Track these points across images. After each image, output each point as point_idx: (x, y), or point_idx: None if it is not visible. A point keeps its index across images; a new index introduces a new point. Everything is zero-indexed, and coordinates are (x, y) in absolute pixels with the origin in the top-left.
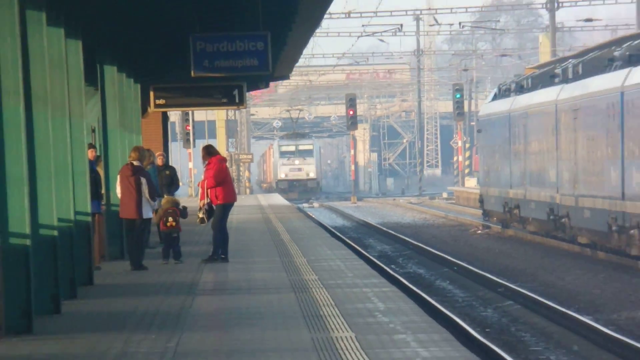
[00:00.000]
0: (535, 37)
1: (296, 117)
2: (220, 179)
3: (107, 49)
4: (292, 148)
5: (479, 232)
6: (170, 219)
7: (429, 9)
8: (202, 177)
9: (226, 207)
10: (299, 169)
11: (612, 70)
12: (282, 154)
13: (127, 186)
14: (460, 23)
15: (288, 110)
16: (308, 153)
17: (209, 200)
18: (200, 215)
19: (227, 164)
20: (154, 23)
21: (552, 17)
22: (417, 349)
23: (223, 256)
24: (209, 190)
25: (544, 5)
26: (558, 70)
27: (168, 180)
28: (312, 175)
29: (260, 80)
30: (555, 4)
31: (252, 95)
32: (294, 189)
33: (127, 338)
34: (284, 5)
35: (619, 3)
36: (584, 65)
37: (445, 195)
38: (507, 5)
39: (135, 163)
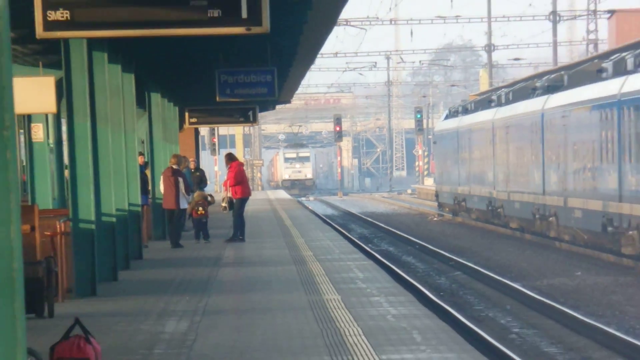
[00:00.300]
0: (476, 72)
1: (296, 132)
2: (239, 179)
3: (153, 80)
4: (294, 155)
5: (435, 219)
6: (200, 208)
7: (397, 50)
8: (225, 177)
9: (243, 200)
10: (299, 171)
11: (534, 97)
12: (286, 160)
13: (168, 184)
14: (420, 61)
15: (290, 126)
16: (306, 159)
17: (229, 195)
18: (224, 204)
19: (244, 167)
20: (189, 61)
21: (489, 57)
22: (388, 307)
23: (241, 237)
24: (230, 187)
25: (483, 48)
26: (494, 97)
27: (198, 179)
28: (309, 176)
29: (269, 104)
30: (492, 47)
31: (262, 115)
32: (295, 186)
33: (168, 299)
34: (287, 48)
35: (540, 47)
36: (513, 93)
37: (409, 191)
38: (455, 48)
39: (174, 166)
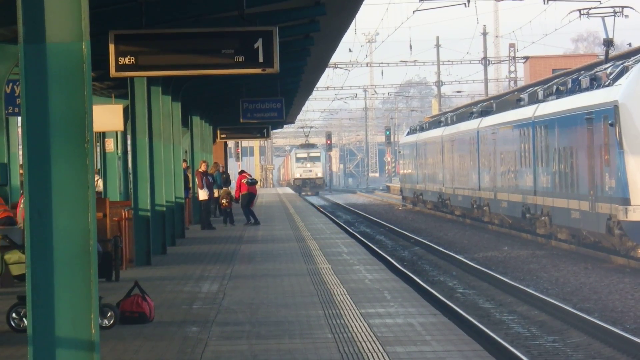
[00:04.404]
0: (429, 101)
1: (307, 134)
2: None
3: (194, 107)
4: (305, 155)
5: (400, 208)
6: (224, 201)
7: (371, 85)
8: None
9: (251, 195)
10: (310, 170)
11: (472, 119)
12: (298, 159)
13: (202, 181)
14: (388, 93)
15: (302, 128)
16: (317, 159)
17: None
18: (223, 200)
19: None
20: (220, 93)
21: (439, 90)
22: (365, 274)
23: (253, 222)
24: (236, 189)
25: (434, 83)
26: (442, 119)
27: (225, 179)
28: (319, 175)
29: (278, 124)
30: (440, 83)
31: (273, 132)
32: (307, 185)
33: (204, 267)
34: (291, 84)
35: (475, 83)
36: (456, 116)
37: (381, 188)
38: (414, 83)
39: (209, 170)
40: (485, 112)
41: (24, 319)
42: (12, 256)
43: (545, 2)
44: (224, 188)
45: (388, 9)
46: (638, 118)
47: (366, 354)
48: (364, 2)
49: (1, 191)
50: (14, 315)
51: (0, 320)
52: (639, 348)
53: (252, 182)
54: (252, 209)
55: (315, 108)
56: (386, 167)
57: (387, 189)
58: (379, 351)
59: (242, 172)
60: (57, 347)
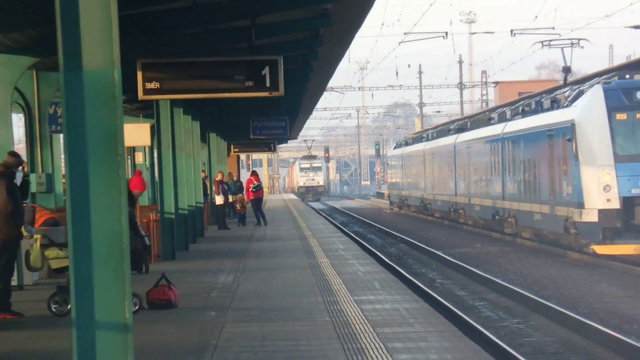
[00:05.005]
0: (413, 119)
1: (309, 147)
2: (259, 187)
3: (211, 125)
4: (308, 165)
5: (388, 211)
6: (238, 205)
7: (363, 106)
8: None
9: (258, 200)
10: (312, 179)
11: (449, 135)
12: (301, 169)
13: (218, 188)
14: (378, 112)
15: (305, 141)
16: (318, 168)
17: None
18: (237, 205)
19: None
20: (233, 113)
21: (421, 110)
22: (358, 267)
23: (263, 223)
24: (246, 192)
25: (417, 105)
26: (424, 135)
27: (238, 187)
28: (321, 183)
29: (283, 140)
30: (422, 104)
31: (279, 147)
32: (309, 192)
33: (220, 261)
34: (294, 105)
35: (452, 104)
36: (436, 133)
37: (372, 194)
38: (400, 104)
39: (224, 179)
40: (461, 130)
41: (64, 305)
42: (51, 252)
43: (512, 35)
44: (238, 195)
45: (377, 41)
46: (591, 134)
47: (359, 334)
48: (356, 35)
49: (47, 197)
50: (53, 302)
51: (42, 306)
52: (590, 329)
53: (257, 188)
54: (262, 210)
55: (315, 126)
56: (376, 176)
57: (381, 195)
58: (370, 332)
59: (253, 172)
60: (97, 329)
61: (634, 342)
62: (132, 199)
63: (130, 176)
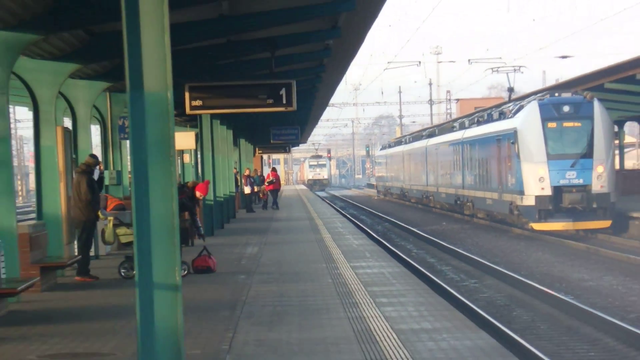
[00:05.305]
0: (394, 128)
1: (316, 148)
2: (276, 181)
3: (241, 133)
4: (315, 163)
5: (375, 198)
6: (261, 194)
7: (357, 117)
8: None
9: (274, 190)
10: (319, 174)
11: (422, 139)
12: (310, 166)
13: (246, 181)
14: (367, 123)
15: (314, 146)
16: (323, 165)
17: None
18: (261, 194)
19: (279, 174)
20: (258, 123)
21: (401, 121)
22: (353, 240)
23: (275, 207)
24: (266, 183)
25: (398, 117)
26: (403, 140)
27: (261, 180)
28: (325, 177)
29: (296, 143)
30: (401, 116)
31: (293, 149)
32: (316, 184)
33: (248, 237)
34: (304, 117)
35: (424, 116)
36: (412, 138)
37: (364, 185)
38: (384, 117)
39: (251, 174)
40: (430, 135)
41: (130, 271)
42: (120, 230)
43: (470, 63)
44: (262, 186)
45: (367, 68)
46: (529, 139)
47: (354, 292)
48: (351, 63)
49: (117, 188)
50: (122, 268)
51: (114, 271)
52: (530, 287)
53: (270, 182)
54: (276, 199)
55: (320, 133)
56: (366, 171)
57: (371, 186)
58: (362, 290)
59: (273, 169)
60: (154, 289)
61: (562, 296)
62: (196, 200)
63: (193, 179)
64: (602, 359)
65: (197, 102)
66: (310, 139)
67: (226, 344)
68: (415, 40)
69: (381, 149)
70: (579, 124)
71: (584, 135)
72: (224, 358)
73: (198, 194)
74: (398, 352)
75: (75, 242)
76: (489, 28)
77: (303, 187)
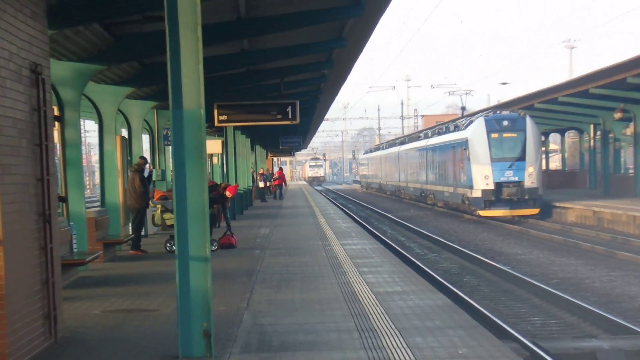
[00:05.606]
0: (374, 137)
1: (314, 157)
2: (279, 177)
3: (257, 141)
4: (314, 164)
5: (360, 191)
6: (271, 188)
7: (345, 130)
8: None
9: (278, 185)
10: (317, 172)
11: (395, 146)
12: (310, 166)
13: (260, 178)
14: (354, 133)
15: (313, 151)
16: (320, 166)
17: (270, 185)
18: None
19: (284, 173)
20: (270, 133)
21: (379, 132)
22: (342, 223)
23: (278, 199)
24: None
25: (377, 129)
26: (381, 146)
27: (272, 177)
28: (322, 175)
29: (299, 149)
30: (380, 129)
31: (297, 153)
32: (314, 180)
33: (262, 220)
34: (305, 128)
35: (397, 128)
36: (388, 145)
37: (351, 181)
38: (366, 129)
39: (264, 172)
40: (402, 143)
41: (173, 246)
42: (166, 215)
43: (432, 87)
44: (270, 181)
45: (353, 91)
46: (477, 146)
47: (342, 262)
48: (341, 88)
49: (161, 183)
50: (167, 244)
51: (160, 247)
52: (477, 259)
53: (275, 179)
54: (282, 192)
55: (317, 140)
56: (353, 171)
57: (357, 182)
58: (349, 261)
59: (280, 169)
60: (190, 260)
61: (501, 266)
62: (226, 197)
63: (226, 182)
64: (531, 314)
65: (223, 117)
66: (310, 145)
67: (244, 303)
68: (391, 70)
69: (364, 153)
70: (515, 135)
71: (518, 144)
72: (243, 313)
73: (227, 193)
74: (376, 308)
75: (130, 224)
76: (448, 60)
77: (304, 182)
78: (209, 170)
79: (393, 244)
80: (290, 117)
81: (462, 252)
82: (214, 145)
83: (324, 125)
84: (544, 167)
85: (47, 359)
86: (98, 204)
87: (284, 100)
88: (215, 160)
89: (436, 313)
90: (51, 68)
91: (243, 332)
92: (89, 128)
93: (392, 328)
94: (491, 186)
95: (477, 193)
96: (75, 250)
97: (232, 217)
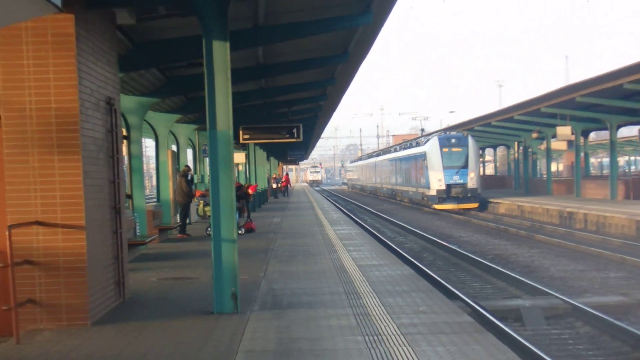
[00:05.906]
0: (357, 151)
1: (314, 165)
2: (286, 180)
3: (271, 153)
4: (314, 170)
5: (347, 191)
6: (281, 188)
7: (336, 145)
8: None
9: (287, 186)
10: (316, 177)
11: (373, 157)
12: (310, 172)
13: (273, 181)
14: (342, 148)
15: (308, 164)
16: (318, 172)
17: (278, 186)
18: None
19: (290, 177)
20: (281, 148)
21: (361, 147)
22: (334, 215)
23: (287, 195)
24: (282, 182)
25: (359, 146)
26: (362, 157)
27: (281, 180)
28: (319, 179)
29: (302, 159)
30: (361, 145)
31: (300, 163)
32: (314, 182)
33: (274, 212)
34: (307, 145)
35: (373, 145)
36: (367, 157)
37: (340, 184)
38: (352, 145)
39: (274, 176)
40: (378, 155)
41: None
42: (207, 208)
43: (399, 115)
44: (281, 183)
45: (342, 117)
46: (433, 157)
47: (333, 243)
48: (333, 115)
49: (201, 185)
50: (207, 229)
51: (202, 232)
52: (434, 241)
53: (283, 181)
54: (287, 191)
55: (316, 153)
56: (342, 175)
57: (345, 184)
58: (339, 242)
59: (286, 174)
60: (222, 241)
61: (451, 245)
62: (249, 194)
63: (249, 183)
64: (472, 280)
65: (247, 136)
66: (310, 156)
67: (262, 273)
68: (369, 101)
69: (350, 163)
70: (460, 149)
71: (463, 156)
72: (261, 281)
73: (250, 191)
74: (359, 276)
75: (178, 215)
76: (412, 93)
77: (306, 184)
78: (236, 175)
79: (371, 230)
80: (295, 136)
81: (422, 235)
82: (239, 157)
83: (320, 142)
84: (481, 173)
85: (118, 313)
86: (155, 200)
87: (291, 124)
88: (240, 167)
89: (403, 280)
90: (121, 101)
91: (261, 294)
92: (148, 144)
93: (370, 291)
94: (443, 187)
95: (433, 192)
96: (137, 234)
97: (253, 210)
